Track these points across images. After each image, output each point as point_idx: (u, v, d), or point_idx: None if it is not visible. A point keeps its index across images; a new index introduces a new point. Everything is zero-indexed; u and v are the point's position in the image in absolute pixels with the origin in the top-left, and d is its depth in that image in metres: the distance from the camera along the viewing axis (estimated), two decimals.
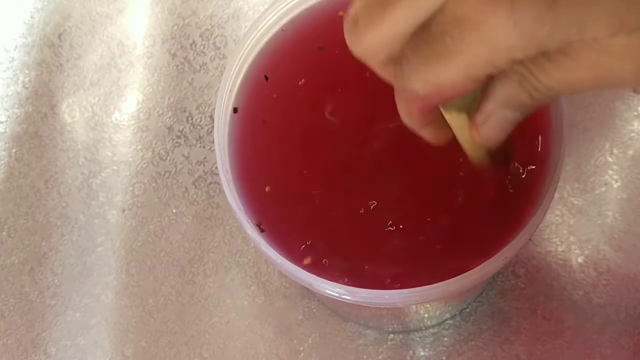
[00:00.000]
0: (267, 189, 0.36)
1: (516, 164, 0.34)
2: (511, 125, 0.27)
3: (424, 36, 0.24)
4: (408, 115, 0.27)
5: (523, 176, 0.34)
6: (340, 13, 0.38)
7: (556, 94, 0.26)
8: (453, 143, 0.31)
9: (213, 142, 0.40)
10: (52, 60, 0.51)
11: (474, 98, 0.27)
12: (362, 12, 0.24)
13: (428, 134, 0.29)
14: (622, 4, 0.21)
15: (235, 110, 0.37)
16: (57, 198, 0.48)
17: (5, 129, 0.50)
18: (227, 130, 0.36)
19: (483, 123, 0.27)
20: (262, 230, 0.35)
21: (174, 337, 0.44)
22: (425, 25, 0.24)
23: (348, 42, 0.25)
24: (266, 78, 0.38)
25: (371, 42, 0.25)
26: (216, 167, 0.47)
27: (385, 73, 0.27)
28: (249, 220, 0.34)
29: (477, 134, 0.28)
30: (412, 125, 0.28)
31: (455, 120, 0.28)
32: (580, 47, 0.23)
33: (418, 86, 0.24)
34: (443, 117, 0.28)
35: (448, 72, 0.23)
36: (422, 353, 0.42)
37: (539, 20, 0.21)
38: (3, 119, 0.50)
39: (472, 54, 0.22)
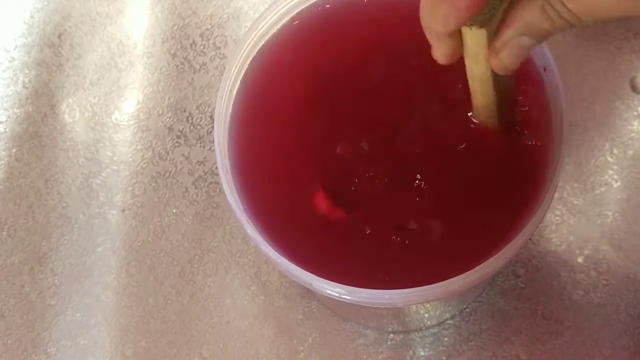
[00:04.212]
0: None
1: (522, 131, 0.34)
2: (527, 52, 0.28)
3: None
4: (453, 11, 0.26)
5: (523, 175, 0.34)
6: None
7: (578, 21, 0.26)
8: (456, 146, 0.31)
9: (213, 142, 0.40)
10: (52, 60, 0.51)
11: (494, 18, 0.27)
12: None
13: (445, 47, 0.29)
14: None
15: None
16: (57, 198, 0.48)
17: (5, 129, 0.50)
18: (227, 130, 0.36)
19: (501, 49, 0.28)
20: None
21: (174, 337, 0.44)
22: None
23: None
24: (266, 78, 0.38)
25: None
26: (216, 167, 0.47)
27: None
28: (249, 220, 0.34)
29: (495, 59, 0.28)
30: (444, 25, 0.27)
31: (474, 41, 0.28)
32: None
33: None
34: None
35: None
36: (422, 353, 0.42)
37: None
38: (3, 119, 0.50)
39: None
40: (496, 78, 0.31)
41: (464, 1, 0.26)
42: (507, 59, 0.28)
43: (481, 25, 0.28)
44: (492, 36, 0.28)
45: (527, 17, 0.27)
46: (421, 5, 0.27)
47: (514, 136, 0.34)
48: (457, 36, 0.29)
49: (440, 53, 0.29)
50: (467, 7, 0.26)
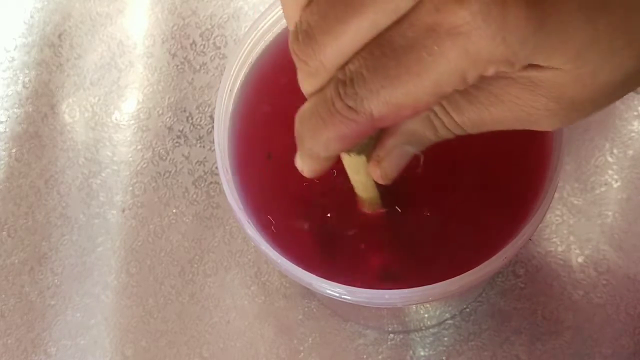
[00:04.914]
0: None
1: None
2: (408, 159, 0.27)
3: (383, 50, 0.22)
4: (338, 139, 0.24)
5: (523, 175, 0.34)
6: None
7: (463, 132, 0.25)
8: (456, 146, 0.31)
9: (213, 142, 0.40)
10: (52, 60, 0.51)
11: (372, 142, 0.27)
12: (318, 21, 0.22)
13: (317, 166, 0.26)
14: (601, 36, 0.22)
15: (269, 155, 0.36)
16: (57, 198, 0.48)
17: (5, 129, 0.50)
18: (227, 130, 0.36)
19: (384, 158, 0.27)
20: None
21: (174, 337, 0.44)
22: (376, 39, 0.22)
23: (298, 54, 0.23)
24: (266, 77, 0.38)
25: (330, 54, 0.23)
26: (216, 167, 0.47)
27: (313, 88, 0.24)
28: (249, 220, 0.34)
29: (377, 170, 0.27)
30: (325, 151, 0.25)
31: (353, 162, 0.28)
32: (507, 83, 0.23)
33: (375, 107, 0.23)
34: None
35: (418, 89, 0.22)
36: (422, 353, 0.42)
37: (524, 40, 0.21)
38: (3, 119, 0.50)
39: (451, 67, 0.21)
40: None
41: (349, 130, 0.24)
42: (389, 168, 0.27)
43: (359, 152, 0.27)
44: (371, 154, 0.27)
45: (412, 126, 0.26)
46: (298, 121, 0.25)
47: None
48: (333, 157, 0.26)
49: (309, 169, 0.27)
50: (351, 137, 0.24)
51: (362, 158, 0.27)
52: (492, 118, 0.24)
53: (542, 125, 0.24)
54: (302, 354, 0.43)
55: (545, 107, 0.23)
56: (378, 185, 0.32)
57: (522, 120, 0.24)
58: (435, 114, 0.25)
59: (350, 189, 0.35)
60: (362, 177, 0.30)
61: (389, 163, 0.27)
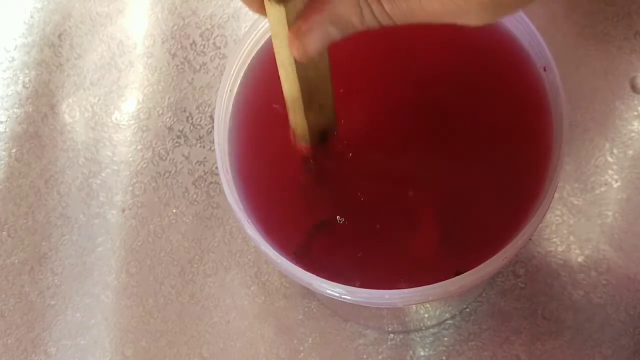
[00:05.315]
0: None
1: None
2: (327, 43, 0.27)
3: None
4: None
5: (523, 176, 0.34)
6: None
7: (391, 22, 0.25)
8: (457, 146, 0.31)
9: (213, 142, 0.40)
10: (52, 60, 0.51)
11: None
12: None
13: (255, 9, 0.27)
14: None
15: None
16: (57, 198, 0.48)
17: (5, 129, 0.50)
18: (227, 130, 0.36)
19: (306, 32, 0.27)
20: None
21: (174, 337, 0.44)
22: None
23: None
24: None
25: None
26: (216, 167, 0.47)
27: None
28: (249, 220, 0.34)
29: (296, 42, 0.27)
30: None
31: (274, 13, 0.27)
32: None
33: None
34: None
35: None
36: (422, 353, 0.42)
37: None
38: (3, 119, 0.50)
39: None
40: (304, 67, 0.29)
41: None
42: (308, 44, 0.27)
43: (279, 1, 0.26)
44: (295, 18, 0.27)
45: (339, 9, 0.26)
46: None
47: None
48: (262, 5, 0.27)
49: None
50: None
51: (282, 12, 0.27)
52: (423, 9, 0.24)
53: (471, 19, 0.24)
54: (302, 354, 0.43)
55: (477, 1, 0.24)
56: (385, 187, 0.32)
57: (452, 13, 0.24)
58: (367, 1, 0.25)
59: (349, 186, 0.35)
60: (285, 48, 0.28)
61: (310, 39, 0.27)
